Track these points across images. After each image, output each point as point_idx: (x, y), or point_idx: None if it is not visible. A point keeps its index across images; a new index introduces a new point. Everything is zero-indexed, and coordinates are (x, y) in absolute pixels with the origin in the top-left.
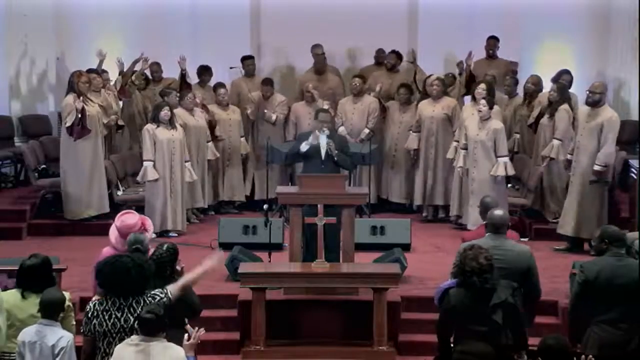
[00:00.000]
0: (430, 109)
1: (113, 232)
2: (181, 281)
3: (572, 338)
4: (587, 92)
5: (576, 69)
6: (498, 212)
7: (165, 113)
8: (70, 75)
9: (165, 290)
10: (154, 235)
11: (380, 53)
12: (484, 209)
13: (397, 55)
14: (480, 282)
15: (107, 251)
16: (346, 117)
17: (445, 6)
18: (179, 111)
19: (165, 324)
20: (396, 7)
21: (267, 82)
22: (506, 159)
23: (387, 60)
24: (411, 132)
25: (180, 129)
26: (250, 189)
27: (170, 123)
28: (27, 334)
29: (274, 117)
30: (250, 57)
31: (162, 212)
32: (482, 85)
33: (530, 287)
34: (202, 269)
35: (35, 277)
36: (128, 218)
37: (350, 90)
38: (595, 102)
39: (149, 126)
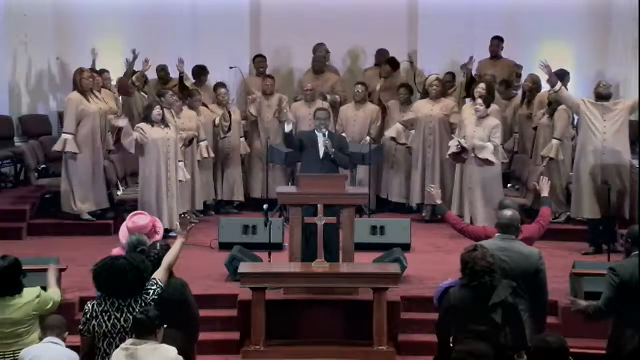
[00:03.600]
0: (428, 108)
1: (124, 233)
2: (164, 265)
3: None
4: (601, 87)
5: (576, 69)
6: (507, 212)
7: (157, 112)
8: (73, 75)
9: (154, 280)
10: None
11: (380, 54)
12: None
13: (392, 65)
14: (490, 281)
15: (117, 252)
16: (348, 124)
17: (445, 7)
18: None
19: (157, 324)
20: (396, 7)
21: (270, 76)
22: (495, 145)
23: (385, 72)
24: (399, 124)
25: (174, 128)
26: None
27: (163, 122)
28: (30, 352)
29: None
30: (261, 56)
31: (158, 212)
32: (482, 85)
33: (537, 290)
34: (175, 248)
35: (1, 281)
36: (140, 219)
37: (353, 97)
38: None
39: (143, 125)
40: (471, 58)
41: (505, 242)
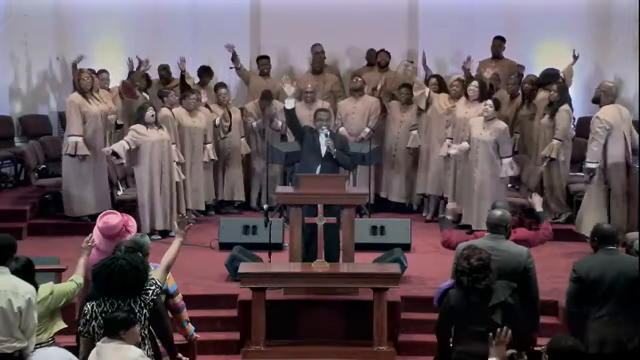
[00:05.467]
0: (445, 106)
1: (96, 234)
2: (162, 266)
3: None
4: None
5: (576, 69)
6: (496, 212)
7: (150, 113)
8: (73, 75)
9: (152, 280)
10: (159, 237)
11: (370, 53)
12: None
13: (387, 53)
14: (469, 282)
15: (93, 253)
16: (346, 117)
17: (445, 6)
18: (177, 111)
19: (123, 326)
20: (396, 7)
21: (266, 96)
22: (510, 159)
23: (381, 59)
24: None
25: (166, 128)
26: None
27: (157, 124)
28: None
29: (279, 123)
30: (265, 57)
31: (154, 213)
32: (474, 83)
33: (527, 288)
34: (173, 248)
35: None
36: (110, 219)
37: (350, 87)
38: (594, 98)
39: (138, 127)
40: (469, 58)
41: (494, 241)
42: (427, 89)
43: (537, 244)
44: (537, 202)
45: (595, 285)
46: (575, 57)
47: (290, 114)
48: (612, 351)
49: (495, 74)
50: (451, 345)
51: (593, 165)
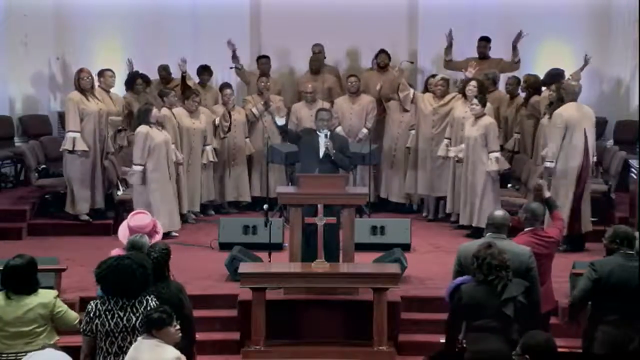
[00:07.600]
0: (432, 103)
1: (124, 232)
2: None
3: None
4: None
5: (576, 69)
6: (499, 212)
7: (155, 113)
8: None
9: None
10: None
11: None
12: (532, 215)
13: (387, 54)
14: (506, 276)
15: (116, 252)
16: (344, 117)
17: (446, 6)
18: (177, 111)
19: (156, 324)
20: (396, 7)
21: (265, 74)
22: (497, 154)
23: (380, 60)
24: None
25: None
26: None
27: (160, 124)
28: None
29: (282, 118)
30: (265, 57)
31: (157, 214)
32: (473, 83)
33: (530, 287)
34: None
35: (19, 279)
36: (141, 218)
37: (347, 89)
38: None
39: (145, 128)
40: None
41: (496, 241)
42: (412, 90)
43: (561, 237)
44: (545, 186)
45: (613, 288)
46: (586, 61)
47: (282, 129)
48: (620, 354)
49: (493, 72)
50: (462, 344)
51: (551, 165)
